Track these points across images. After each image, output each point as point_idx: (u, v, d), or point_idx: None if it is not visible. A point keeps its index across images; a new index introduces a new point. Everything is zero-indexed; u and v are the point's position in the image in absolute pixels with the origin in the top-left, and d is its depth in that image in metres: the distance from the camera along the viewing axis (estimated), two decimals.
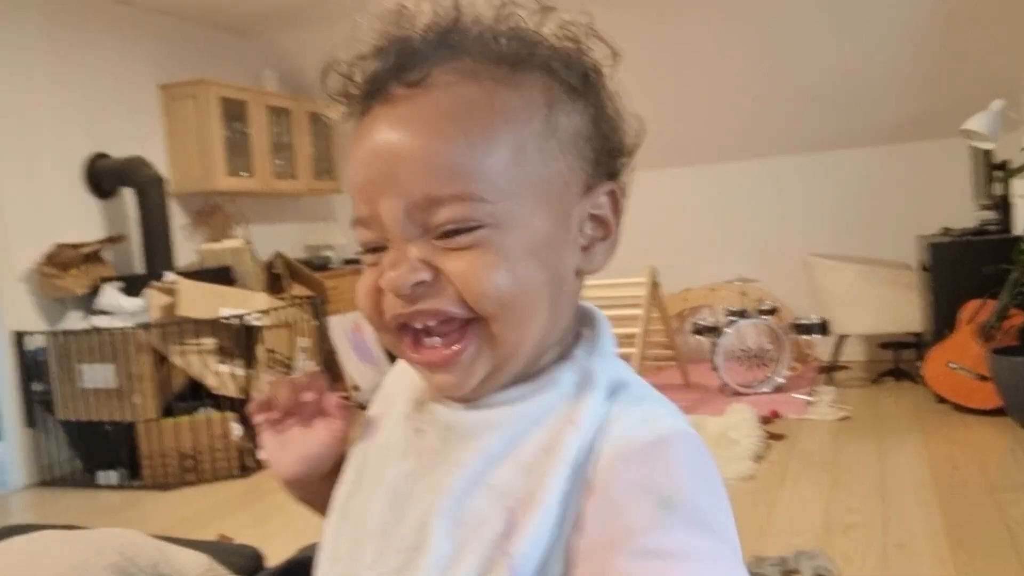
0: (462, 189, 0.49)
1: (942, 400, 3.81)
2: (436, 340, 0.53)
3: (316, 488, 0.66)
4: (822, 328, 4.41)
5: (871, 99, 4.75)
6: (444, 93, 0.51)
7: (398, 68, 0.52)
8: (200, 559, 1.40)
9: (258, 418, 0.67)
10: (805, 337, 4.64)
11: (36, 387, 3.82)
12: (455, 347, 0.52)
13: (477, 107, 0.51)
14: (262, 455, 0.73)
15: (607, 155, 0.56)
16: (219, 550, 1.55)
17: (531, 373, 0.55)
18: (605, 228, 0.56)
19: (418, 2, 0.53)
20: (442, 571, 0.50)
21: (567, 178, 0.53)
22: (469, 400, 0.55)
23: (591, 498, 0.49)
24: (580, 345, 0.57)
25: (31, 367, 3.80)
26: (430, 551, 0.51)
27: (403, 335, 0.54)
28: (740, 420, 3.57)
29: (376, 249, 0.53)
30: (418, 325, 0.53)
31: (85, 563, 1.16)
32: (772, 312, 4.50)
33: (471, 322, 0.52)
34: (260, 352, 3.91)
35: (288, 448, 0.65)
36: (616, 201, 0.56)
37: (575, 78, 0.54)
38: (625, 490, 0.48)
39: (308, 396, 0.65)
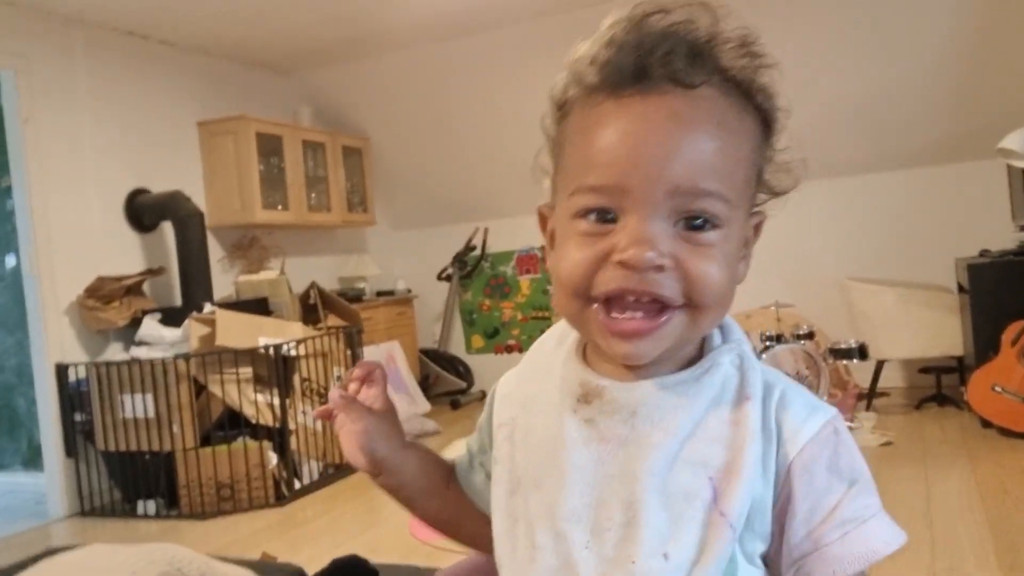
0: (720, 189, 0.58)
1: (988, 424, 3.72)
2: (638, 313, 0.58)
3: (399, 471, 0.76)
4: (861, 352, 4.34)
5: (905, 121, 4.72)
6: (712, 104, 0.58)
7: (668, 65, 0.57)
8: (245, 573, 1.41)
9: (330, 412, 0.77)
10: (843, 362, 4.57)
11: (77, 417, 3.88)
12: (658, 320, 0.58)
13: (734, 125, 0.59)
14: (344, 453, 0.77)
15: (767, 189, 0.66)
16: (264, 568, 1.56)
17: (694, 356, 0.64)
18: (749, 247, 0.67)
19: (671, 6, 0.60)
20: (662, 539, 0.58)
21: (752, 201, 0.64)
22: (641, 374, 0.62)
23: (799, 478, 0.59)
24: (717, 333, 0.66)
25: (73, 398, 3.86)
26: (647, 523, 0.58)
27: (599, 303, 0.59)
28: None
29: (600, 217, 0.58)
30: (630, 299, 0.58)
31: (138, 572, 1.17)
32: (809, 337, 4.44)
33: (671, 308, 0.58)
34: (296, 381, 3.94)
35: (352, 440, 0.76)
36: (759, 227, 0.67)
37: (770, 119, 0.64)
38: (822, 472, 0.60)
39: (353, 386, 0.78)
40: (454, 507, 0.78)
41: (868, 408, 4.44)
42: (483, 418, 0.77)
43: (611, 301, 0.58)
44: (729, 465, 0.59)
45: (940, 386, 4.39)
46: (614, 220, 0.58)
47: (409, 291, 6.00)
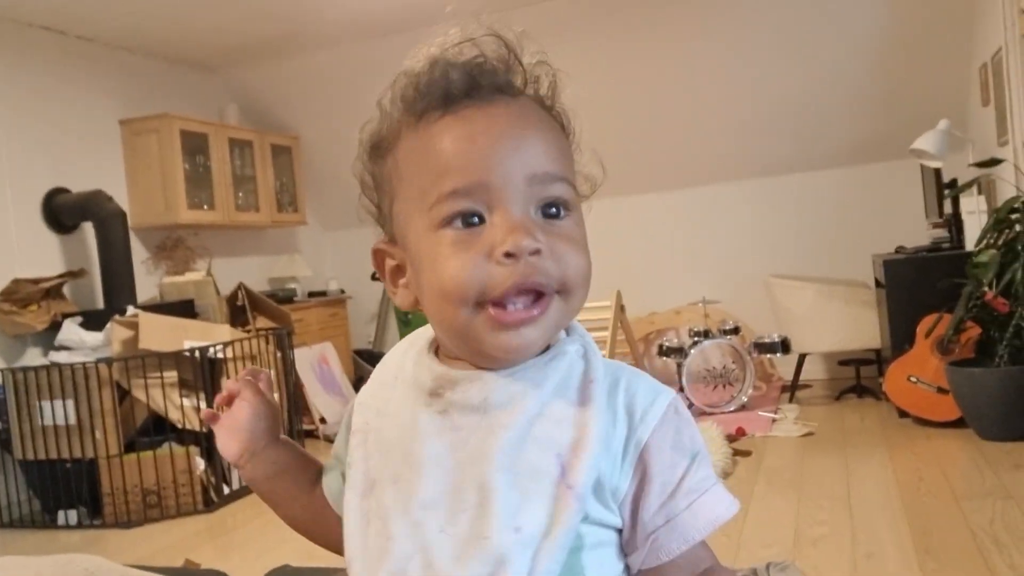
0: (567, 173, 0.64)
1: (904, 414, 3.88)
2: (519, 305, 0.61)
3: (264, 460, 0.78)
4: (784, 346, 4.48)
5: (826, 123, 4.88)
6: (534, 109, 0.65)
7: (494, 78, 0.64)
8: None
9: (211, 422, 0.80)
10: (768, 356, 4.71)
11: None
12: (537, 310, 0.61)
13: (556, 128, 0.66)
14: (217, 440, 0.80)
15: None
16: (186, 575, 1.53)
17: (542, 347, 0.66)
18: None
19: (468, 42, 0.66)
20: (513, 514, 0.61)
21: None
22: (513, 365, 0.64)
23: (652, 458, 0.63)
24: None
25: None
26: (498, 501, 0.61)
27: (492, 305, 0.61)
28: (707, 438, 3.58)
29: (465, 222, 0.61)
30: (515, 293, 0.61)
31: None
32: (735, 332, 4.56)
33: (548, 294, 0.62)
34: (223, 385, 3.85)
35: (225, 433, 0.79)
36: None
37: (568, 131, 0.69)
38: (668, 450, 0.64)
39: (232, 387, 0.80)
40: (318, 508, 0.78)
41: (791, 400, 4.58)
42: (342, 426, 0.77)
43: (500, 302, 0.61)
44: (575, 442, 0.62)
45: (859, 378, 4.56)
46: (480, 221, 0.61)
47: (342, 292, 5.93)
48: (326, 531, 0.78)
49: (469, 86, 0.63)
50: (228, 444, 0.78)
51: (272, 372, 4.18)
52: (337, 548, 0.75)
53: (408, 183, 0.65)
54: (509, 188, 0.60)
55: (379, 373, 0.75)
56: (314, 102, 5.54)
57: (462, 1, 5.37)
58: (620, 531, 0.65)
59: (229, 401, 0.79)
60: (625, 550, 0.65)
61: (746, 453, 3.61)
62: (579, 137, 0.70)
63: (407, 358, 0.72)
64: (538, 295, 0.61)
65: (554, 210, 0.62)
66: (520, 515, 0.61)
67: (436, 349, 0.70)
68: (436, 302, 0.63)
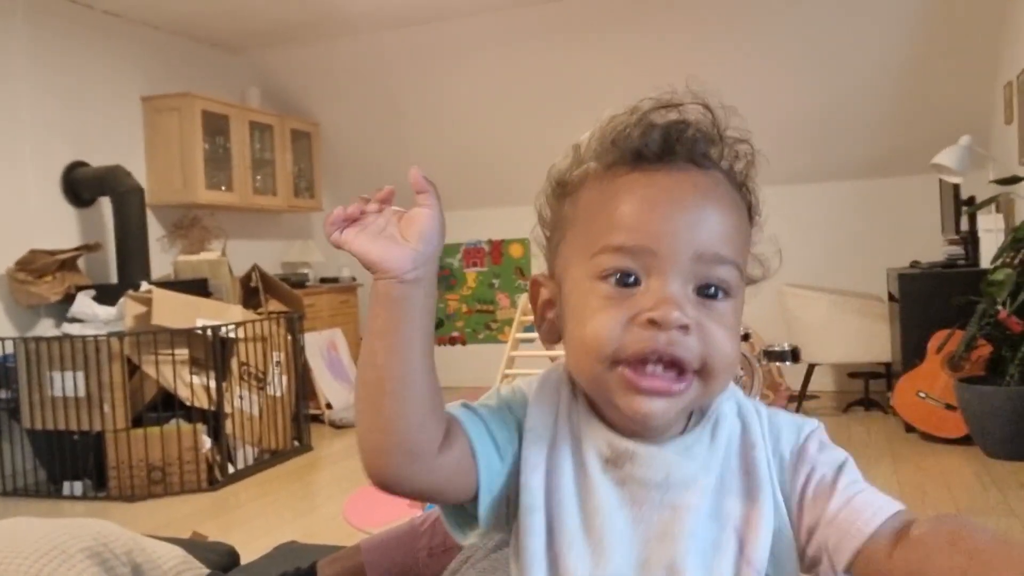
0: (737, 259, 0.63)
1: (911, 429, 3.87)
2: (659, 370, 0.60)
3: (427, 282, 0.62)
4: (793, 356, 4.46)
5: (846, 135, 4.86)
6: (723, 185, 0.65)
7: (693, 147, 0.64)
8: (175, 551, 1.40)
9: (340, 222, 0.64)
10: (777, 364, 4.69)
11: (2, 394, 3.75)
12: (680, 385, 0.60)
13: (739, 207, 0.66)
14: (366, 254, 0.61)
15: (746, 279, 0.68)
16: (194, 546, 1.54)
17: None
18: None
19: (675, 103, 0.66)
20: None
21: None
22: (658, 433, 0.64)
23: (798, 476, 0.64)
24: None
25: None
26: None
27: (625, 366, 0.60)
28: None
29: (621, 281, 0.61)
30: (653, 359, 0.60)
31: (61, 545, 1.15)
32: (745, 339, 4.55)
33: (688, 371, 0.61)
34: (233, 365, 3.88)
35: (387, 237, 0.62)
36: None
37: (753, 214, 0.69)
38: (811, 462, 0.64)
39: (381, 196, 0.64)
40: (428, 387, 0.61)
41: (798, 410, 4.57)
42: (503, 404, 0.68)
43: (636, 364, 0.60)
44: (748, 514, 0.63)
45: (868, 391, 4.54)
46: (636, 283, 0.60)
47: (354, 279, 5.94)
48: (419, 414, 0.60)
49: (664, 149, 0.63)
50: (390, 251, 0.61)
51: (281, 355, 4.20)
52: (410, 436, 0.60)
53: (580, 228, 0.65)
54: (673, 260, 0.60)
55: (542, 392, 0.68)
56: (336, 89, 5.55)
57: (520, 9, 5.30)
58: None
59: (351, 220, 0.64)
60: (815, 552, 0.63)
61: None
62: (762, 219, 0.70)
63: (562, 399, 0.67)
64: (680, 371, 0.60)
65: (712, 291, 0.61)
66: None
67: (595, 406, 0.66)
68: (576, 352, 0.63)
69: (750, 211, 0.68)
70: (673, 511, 0.63)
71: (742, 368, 4.50)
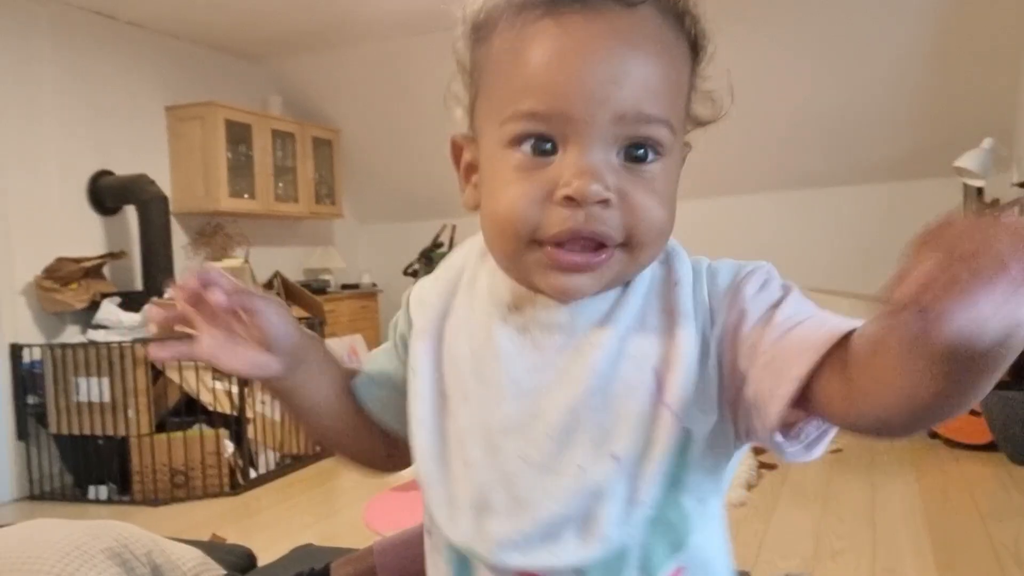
0: (668, 116, 0.55)
1: (935, 435, 3.82)
2: (576, 249, 0.55)
3: (307, 364, 0.64)
4: None
5: (867, 137, 4.83)
6: (653, 24, 0.55)
7: None
8: (193, 552, 1.42)
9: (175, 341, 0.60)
10: None
11: (30, 400, 3.83)
12: (600, 256, 0.55)
13: (673, 49, 0.56)
14: (231, 365, 0.60)
15: (693, 120, 0.62)
16: (212, 549, 1.57)
17: None
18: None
19: None
20: (608, 440, 0.55)
21: (684, 130, 0.60)
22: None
23: (732, 304, 0.57)
24: None
25: (26, 380, 3.81)
26: (588, 427, 0.55)
27: (543, 246, 0.55)
28: None
29: (537, 147, 0.54)
30: (574, 240, 0.54)
31: (82, 546, 1.18)
32: None
33: (609, 247, 0.55)
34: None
35: (246, 344, 0.61)
36: (683, 159, 0.63)
37: (699, 45, 0.60)
38: (753, 289, 0.57)
39: (219, 293, 0.58)
40: (350, 417, 0.69)
41: None
42: (391, 327, 0.69)
43: (555, 245, 0.55)
44: (668, 354, 0.56)
45: None
46: (552, 151, 0.54)
47: (374, 285, 5.99)
48: (358, 444, 0.70)
49: None
50: (259, 362, 0.61)
51: None
52: (369, 462, 0.72)
53: (493, 82, 0.57)
54: (591, 124, 0.53)
55: (443, 272, 0.67)
56: (356, 97, 5.60)
57: None
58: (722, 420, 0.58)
59: (192, 300, 0.59)
60: (763, 428, 0.55)
61: (771, 466, 3.58)
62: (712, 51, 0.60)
63: (482, 266, 0.64)
64: (601, 244, 0.55)
65: (641, 152, 0.55)
66: (615, 440, 0.55)
67: None
68: (490, 227, 0.58)
69: (695, 45, 0.59)
70: (578, 351, 0.57)
71: None
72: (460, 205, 0.62)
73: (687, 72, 0.58)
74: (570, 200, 0.53)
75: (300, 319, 4.35)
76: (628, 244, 0.55)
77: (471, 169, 0.62)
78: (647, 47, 0.54)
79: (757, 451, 3.70)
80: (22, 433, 3.82)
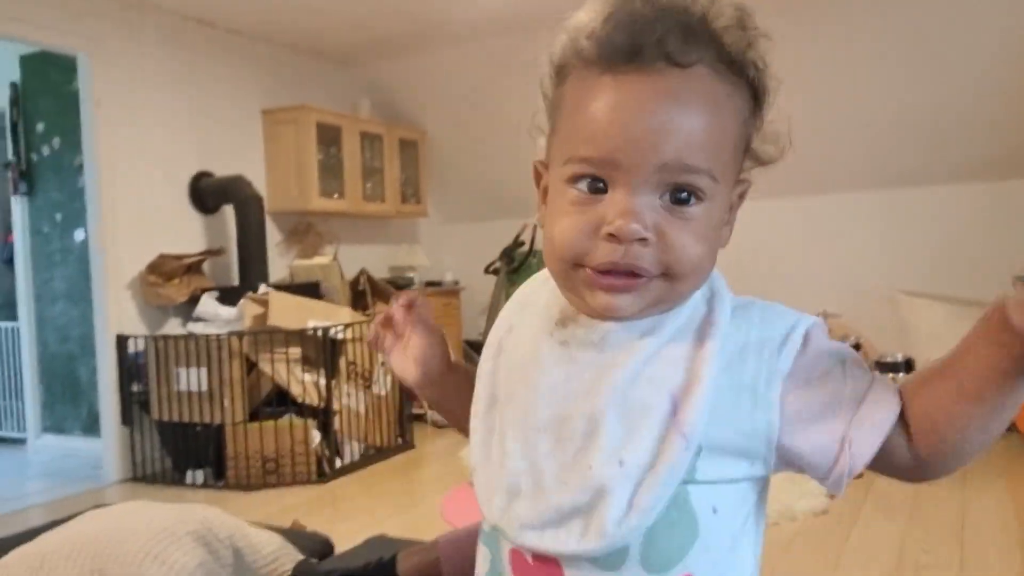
0: (707, 166, 0.61)
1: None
2: (613, 276, 0.62)
3: (442, 384, 0.81)
4: (907, 367, 4.28)
5: (966, 134, 4.63)
6: (703, 83, 0.61)
7: (663, 45, 0.60)
8: (274, 538, 1.50)
9: (380, 337, 0.82)
10: (890, 375, 4.51)
11: (134, 388, 4.07)
12: (639, 280, 0.62)
13: (723, 101, 0.62)
14: (393, 366, 0.83)
15: (753, 158, 0.68)
16: (292, 535, 1.65)
17: None
18: (733, 212, 0.69)
19: None
20: (619, 447, 0.63)
21: (738, 171, 0.67)
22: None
23: (800, 375, 0.63)
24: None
25: (131, 369, 4.05)
26: (604, 435, 0.63)
27: (588, 269, 0.63)
28: None
29: (591, 187, 0.62)
30: (615, 271, 0.62)
31: (170, 527, 1.27)
32: (856, 348, 4.39)
33: (647, 277, 0.62)
34: (342, 364, 4.06)
35: (407, 356, 0.80)
36: (744, 195, 0.69)
37: (761, 93, 0.66)
38: (820, 369, 0.63)
39: (404, 310, 0.80)
40: None
41: None
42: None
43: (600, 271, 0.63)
44: (688, 384, 0.62)
45: None
46: (604, 190, 0.61)
47: (457, 283, 6.09)
48: None
49: (632, 49, 0.60)
50: (405, 372, 0.80)
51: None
52: None
53: (562, 125, 0.65)
54: (636, 171, 0.60)
55: (519, 294, 0.79)
56: (442, 99, 5.71)
57: None
58: (756, 477, 0.65)
59: (388, 323, 0.81)
60: (818, 478, 0.64)
61: (857, 475, 3.48)
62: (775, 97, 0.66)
63: (545, 286, 0.74)
64: (635, 274, 0.62)
65: (684, 195, 0.61)
66: (624, 449, 0.62)
67: None
68: (547, 248, 0.66)
69: (758, 92, 0.65)
70: (603, 368, 0.65)
71: None
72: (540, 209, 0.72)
73: (742, 120, 0.64)
74: (612, 237, 0.60)
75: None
76: (667, 275, 0.62)
77: (546, 192, 0.69)
78: (694, 104, 0.60)
79: None
80: (126, 419, 4.07)
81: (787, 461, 0.64)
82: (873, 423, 0.62)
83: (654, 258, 0.61)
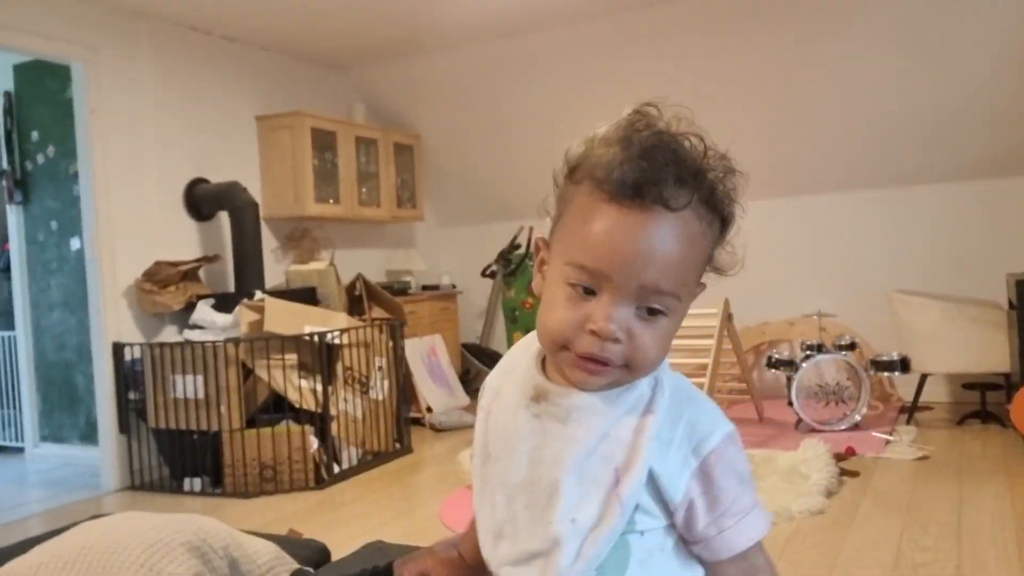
0: (678, 292, 0.76)
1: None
2: (590, 363, 0.78)
3: None
4: (903, 365, 4.29)
5: (962, 133, 4.64)
6: (687, 224, 0.75)
7: (660, 193, 0.73)
8: (269, 547, 1.50)
9: None
10: (885, 375, 4.52)
11: (131, 395, 4.06)
12: (606, 368, 0.77)
13: (699, 239, 0.77)
14: None
15: (713, 268, 0.82)
16: (288, 543, 1.65)
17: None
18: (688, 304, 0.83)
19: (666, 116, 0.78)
20: (573, 508, 0.78)
21: (699, 281, 0.81)
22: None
23: (705, 478, 0.78)
24: None
25: (128, 377, 4.05)
26: (564, 496, 0.78)
27: (572, 353, 0.78)
28: (812, 455, 3.51)
29: (583, 290, 0.76)
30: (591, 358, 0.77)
31: (164, 539, 1.26)
32: (851, 347, 4.40)
33: (612, 367, 0.77)
34: (339, 369, 4.06)
35: None
36: (701, 289, 0.82)
37: (729, 221, 0.80)
38: (722, 475, 0.79)
39: None
40: None
41: (909, 421, 4.39)
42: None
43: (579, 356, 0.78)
44: (629, 461, 0.78)
45: (984, 403, 4.31)
46: (593, 293, 0.75)
47: (454, 286, 6.09)
48: None
49: (636, 192, 0.74)
50: None
51: (383, 360, 4.37)
52: None
53: (569, 223, 0.78)
54: (621, 286, 0.74)
55: (504, 362, 0.93)
56: (436, 103, 5.72)
57: (622, 15, 5.29)
58: (671, 525, 0.81)
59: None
60: (685, 537, 0.81)
61: (854, 473, 3.49)
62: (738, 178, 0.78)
63: (524, 358, 0.88)
64: (605, 363, 0.77)
65: (653, 309, 0.76)
66: (577, 510, 0.78)
67: (543, 360, 0.86)
68: (540, 327, 0.80)
69: (725, 220, 0.79)
70: (566, 442, 0.80)
71: (848, 378, 4.36)
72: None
73: (710, 244, 0.79)
74: (594, 333, 0.75)
75: (382, 320, 4.48)
76: (627, 366, 0.77)
77: (543, 264, 0.83)
78: (676, 241, 0.75)
79: (838, 457, 3.61)
80: (124, 427, 4.07)
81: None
82: (730, 545, 0.79)
83: (621, 353, 0.76)
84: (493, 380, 0.93)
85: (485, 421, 0.90)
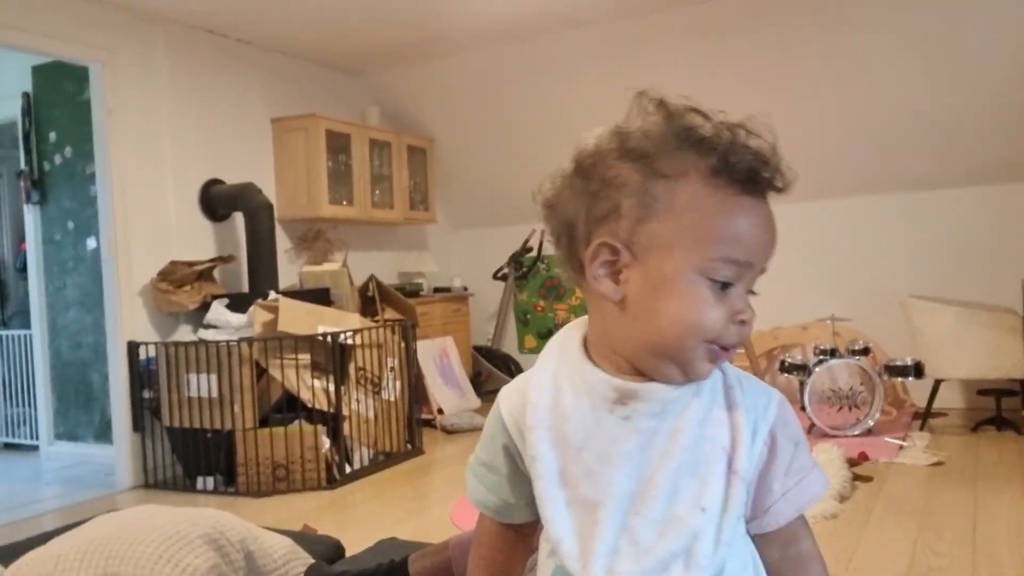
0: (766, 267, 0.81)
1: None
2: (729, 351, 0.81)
3: None
4: (916, 370, 4.27)
5: (976, 138, 4.62)
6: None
7: (772, 181, 0.78)
8: (285, 541, 1.51)
9: None
10: (899, 380, 4.50)
11: (146, 394, 4.09)
12: (729, 353, 0.80)
13: None
14: None
15: None
16: (303, 538, 1.66)
17: None
18: None
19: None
20: (699, 497, 0.78)
21: None
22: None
23: (773, 446, 0.81)
24: None
25: (142, 375, 4.08)
26: (686, 487, 0.78)
27: (716, 345, 0.78)
28: (825, 459, 3.49)
29: (724, 284, 0.77)
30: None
31: (182, 531, 1.28)
32: (864, 352, 4.38)
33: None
34: (351, 370, 4.07)
35: None
36: None
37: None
38: (784, 441, 0.81)
39: None
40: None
41: (923, 427, 4.36)
42: (489, 438, 0.90)
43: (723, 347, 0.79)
44: (733, 438, 0.79)
45: (1000, 409, 4.28)
46: (731, 284, 0.77)
47: (465, 289, 6.10)
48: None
49: (754, 180, 0.77)
50: None
51: (395, 361, 4.38)
52: None
53: (682, 221, 0.76)
54: (754, 272, 0.79)
55: (537, 378, 0.86)
56: (450, 106, 5.74)
57: (634, 19, 5.31)
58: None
59: None
60: (746, 515, 0.81)
61: (867, 479, 3.47)
62: None
63: (564, 363, 0.85)
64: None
65: (752, 292, 0.81)
66: (703, 498, 0.77)
67: (589, 357, 0.83)
68: (669, 324, 0.77)
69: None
70: (670, 434, 0.79)
71: (862, 383, 4.34)
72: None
73: None
74: (744, 323, 0.78)
75: (394, 321, 4.49)
76: None
77: (613, 267, 0.79)
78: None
79: (851, 462, 3.60)
80: (138, 425, 4.09)
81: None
82: (796, 504, 0.81)
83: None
84: (528, 397, 0.85)
85: (548, 440, 0.82)
